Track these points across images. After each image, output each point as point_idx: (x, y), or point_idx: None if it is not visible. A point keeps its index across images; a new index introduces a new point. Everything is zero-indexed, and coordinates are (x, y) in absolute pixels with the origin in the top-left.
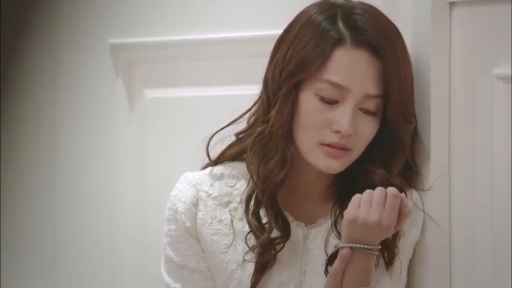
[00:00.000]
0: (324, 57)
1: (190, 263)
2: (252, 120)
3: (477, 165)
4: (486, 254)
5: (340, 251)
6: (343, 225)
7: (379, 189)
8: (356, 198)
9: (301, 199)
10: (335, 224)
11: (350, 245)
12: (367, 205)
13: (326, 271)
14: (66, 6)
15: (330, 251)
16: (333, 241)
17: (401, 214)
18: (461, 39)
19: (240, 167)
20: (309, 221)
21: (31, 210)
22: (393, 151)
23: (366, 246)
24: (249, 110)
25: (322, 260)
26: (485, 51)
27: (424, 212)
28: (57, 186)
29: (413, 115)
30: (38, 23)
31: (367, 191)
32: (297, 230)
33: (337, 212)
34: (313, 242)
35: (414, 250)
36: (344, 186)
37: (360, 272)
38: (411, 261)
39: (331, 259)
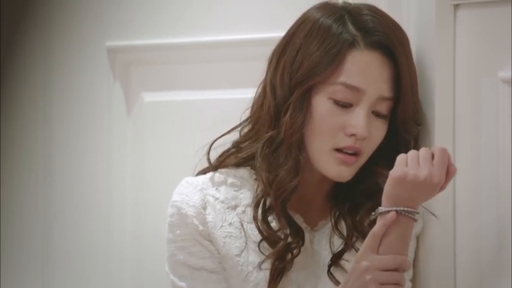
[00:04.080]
0: (338, 60)
1: (208, 265)
2: (249, 127)
3: (482, 167)
4: (491, 250)
5: (379, 216)
6: (387, 187)
7: (424, 148)
8: (402, 157)
9: (305, 203)
10: (336, 225)
11: (395, 208)
12: (415, 162)
13: (329, 272)
14: (63, 9)
15: (336, 251)
16: (337, 241)
17: (448, 172)
18: (465, 42)
19: (241, 173)
20: (312, 224)
21: (29, 213)
22: (399, 153)
23: (409, 209)
24: (249, 117)
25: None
26: (490, 54)
27: (423, 207)
28: (55, 189)
29: (421, 116)
30: (34, 25)
31: (412, 150)
32: (305, 233)
33: (337, 214)
34: (318, 245)
35: (419, 245)
36: (342, 189)
37: (398, 238)
38: (416, 256)
39: (333, 259)
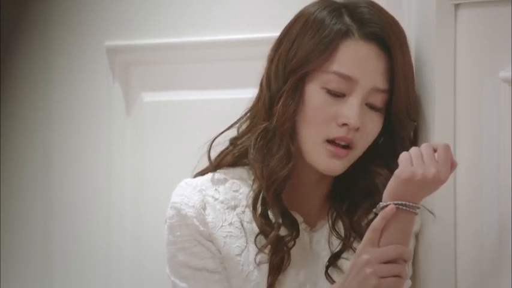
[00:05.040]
0: (331, 49)
1: (210, 265)
2: (247, 124)
3: (483, 166)
4: (492, 249)
5: (381, 210)
6: (392, 186)
7: (425, 144)
8: (405, 155)
9: (304, 203)
10: (333, 226)
11: (395, 202)
12: (420, 160)
13: (326, 273)
14: (63, 9)
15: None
16: (336, 241)
17: (451, 167)
18: (466, 41)
19: (240, 172)
20: (311, 224)
21: (28, 213)
22: (395, 151)
23: (410, 204)
24: (247, 113)
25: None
26: (490, 54)
27: (423, 206)
28: (54, 189)
29: (416, 113)
30: (34, 25)
31: (414, 148)
32: (304, 232)
33: (334, 214)
34: (317, 245)
35: (420, 243)
36: (339, 188)
37: (399, 231)
38: (416, 255)
39: (331, 260)
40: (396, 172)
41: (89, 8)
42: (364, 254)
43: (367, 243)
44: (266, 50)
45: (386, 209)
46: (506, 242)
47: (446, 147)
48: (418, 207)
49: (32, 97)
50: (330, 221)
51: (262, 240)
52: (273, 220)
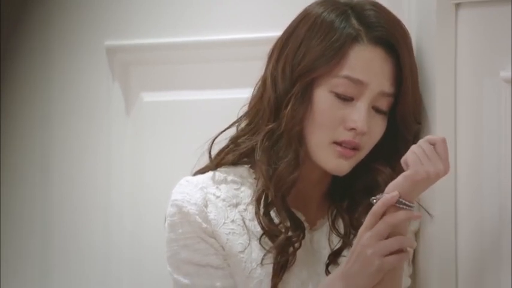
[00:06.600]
0: (341, 53)
1: (214, 261)
2: (246, 122)
3: (483, 166)
4: (492, 247)
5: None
6: (401, 184)
7: (422, 140)
8: (413, 156)
9: (304, 201)
10: (333, 224)
11: (400, 199)
12: (426, 159)
13: (327, 270)
14: (62, 8)
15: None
16: (336, 239)
17: None
18: (467, 41)
19: (240, 171)
20: (311, 223)
21: (28, 213)
22: (397, 151)
23: (409, 203)
24: (247, 112)
25: None
26: (491, 53)
27: (421, 206)
28: (54, 189)
29: (421, 114)
30: (33, 25)
31: (414, 146)
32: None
33: (334, 213)
34: (318, 244)
35: (420, 242)
36: (338, 187)
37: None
38: (416, 253)
39: (331, 257)
40: (408, 173)
41: (89, 8)
42: (363, 237)
43: (366, 227)
44: (266, 50)
45: (388, 196)
46: (506, 241)
47: (444, 141)
48: (413, 206)
49: (32, 97)
50: (330, 219)
51: (267, 240)
52: (275, 220)
